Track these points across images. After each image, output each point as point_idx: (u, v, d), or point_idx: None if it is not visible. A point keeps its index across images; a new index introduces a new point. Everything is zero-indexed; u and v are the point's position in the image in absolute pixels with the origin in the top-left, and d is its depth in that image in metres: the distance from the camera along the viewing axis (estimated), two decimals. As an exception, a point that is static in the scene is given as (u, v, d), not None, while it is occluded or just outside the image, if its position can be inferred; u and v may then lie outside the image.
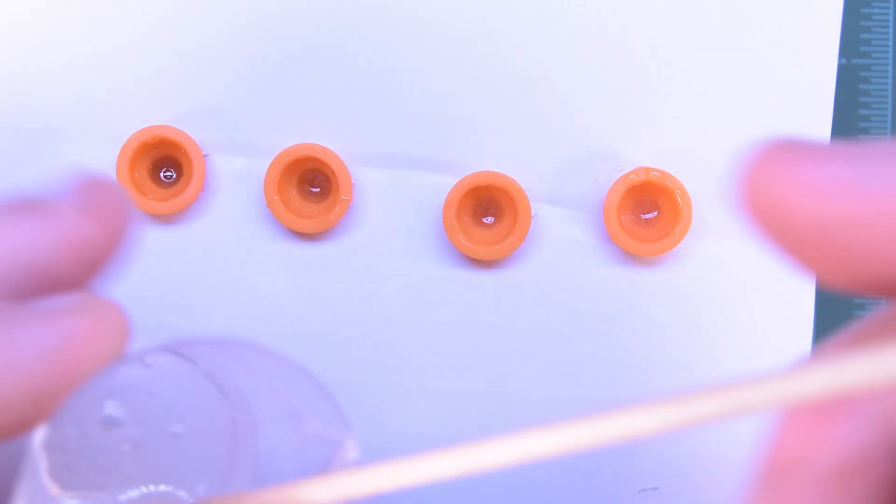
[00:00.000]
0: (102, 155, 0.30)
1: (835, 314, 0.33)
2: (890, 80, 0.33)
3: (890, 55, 0.33)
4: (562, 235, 0.31)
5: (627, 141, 0.30)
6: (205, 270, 0.30)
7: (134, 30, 0.30)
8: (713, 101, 0.30)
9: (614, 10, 0.30)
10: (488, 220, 0.31)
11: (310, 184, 0.31)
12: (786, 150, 0.13)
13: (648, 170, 0.30)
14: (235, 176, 0.31)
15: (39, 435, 0.15)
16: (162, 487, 0.16)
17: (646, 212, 0.31)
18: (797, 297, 0.30)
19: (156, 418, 0.16)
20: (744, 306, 0.30)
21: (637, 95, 0.30)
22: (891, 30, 0.33)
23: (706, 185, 0.30)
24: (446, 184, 0.30)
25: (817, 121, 0.30)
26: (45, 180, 0.17)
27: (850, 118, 0.33)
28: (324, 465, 0.16)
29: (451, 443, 0.14)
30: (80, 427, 0.16)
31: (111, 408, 0.16)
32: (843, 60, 0.33)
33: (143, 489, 0.16)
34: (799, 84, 0.30)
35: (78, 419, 0.15)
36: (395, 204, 0.31)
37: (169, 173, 0.31)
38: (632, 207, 0.30)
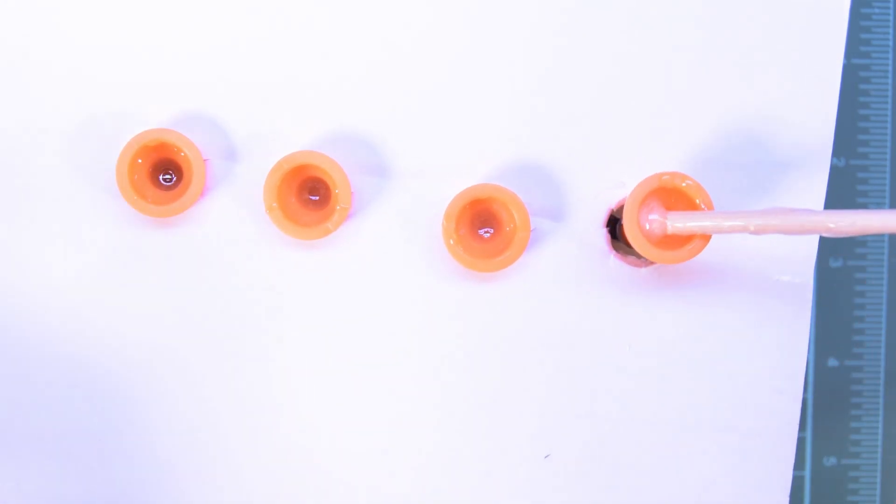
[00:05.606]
0: (103, 157, 0.30)
1: (834, 314, 0.34)
2: (890, 80, 0.33)
3: (890, 55, 0.33)
4: (561, 249, 0.31)
5: (628, 156, 0.30)
6: (202, 275, 0.31)
7: (135, 32, 0.30)
8: (715, 102, 0.30)
9: (615, 18, 0.30)
10: (487, 232, 0.31)
11: (309, 192, 0.31)
12: None
13: (660, 175, 0.29)
14: (235, 181, 0.31)
15: None
16: None
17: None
18: (797, 296, 0.31)
19: None
20: (743, 306, 0.31)
21: (639, 107, 0.30)
22: (891, 30, 0.33)
23: (707, 185, 0.30)
24: (445, 195, 0.30)
25: (820, 121, 0.30)
26: None
27: (850, 118, 0.33)
28: None
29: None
30: None
31: None
32: (843, 60, 0.33)
33: None
34: (803, 84, 0.30)
35: None
36: (394, 215, 0.30)
37: (168, 177, 0.31)
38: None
